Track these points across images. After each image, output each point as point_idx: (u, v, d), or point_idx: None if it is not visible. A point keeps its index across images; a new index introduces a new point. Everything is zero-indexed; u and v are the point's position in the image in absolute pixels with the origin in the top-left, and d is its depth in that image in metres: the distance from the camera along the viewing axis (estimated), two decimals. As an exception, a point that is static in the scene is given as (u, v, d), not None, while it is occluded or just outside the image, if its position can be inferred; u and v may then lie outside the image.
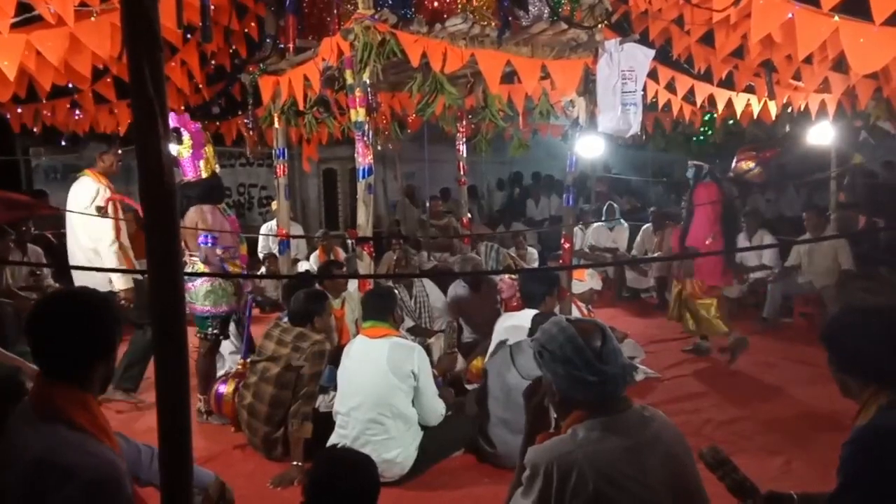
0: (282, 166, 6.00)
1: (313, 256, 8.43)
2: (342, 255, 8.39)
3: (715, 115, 9.18)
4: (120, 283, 4.99)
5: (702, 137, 12.39)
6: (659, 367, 5.73)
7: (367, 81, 4.36)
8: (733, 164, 6.27)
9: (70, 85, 5.90)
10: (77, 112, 7.23)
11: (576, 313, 5.26)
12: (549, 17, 4.73)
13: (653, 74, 6.30)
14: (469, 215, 8.00)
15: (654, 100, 7.16)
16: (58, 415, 1.75)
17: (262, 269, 8.38)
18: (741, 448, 3.97)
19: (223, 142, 9.19)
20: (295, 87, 4.95)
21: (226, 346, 5.12)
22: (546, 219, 11.89)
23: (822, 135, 7.83)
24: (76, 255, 5.24)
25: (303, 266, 8.17)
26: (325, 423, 3.91)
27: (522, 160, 12.82)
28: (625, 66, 4.89)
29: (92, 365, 1.84)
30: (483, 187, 14.01)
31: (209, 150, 4.72)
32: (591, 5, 4.94)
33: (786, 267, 7.20)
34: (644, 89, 5.18)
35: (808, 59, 5.04)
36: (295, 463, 3.83)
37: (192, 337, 4.70)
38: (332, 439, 3.82)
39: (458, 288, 5.87)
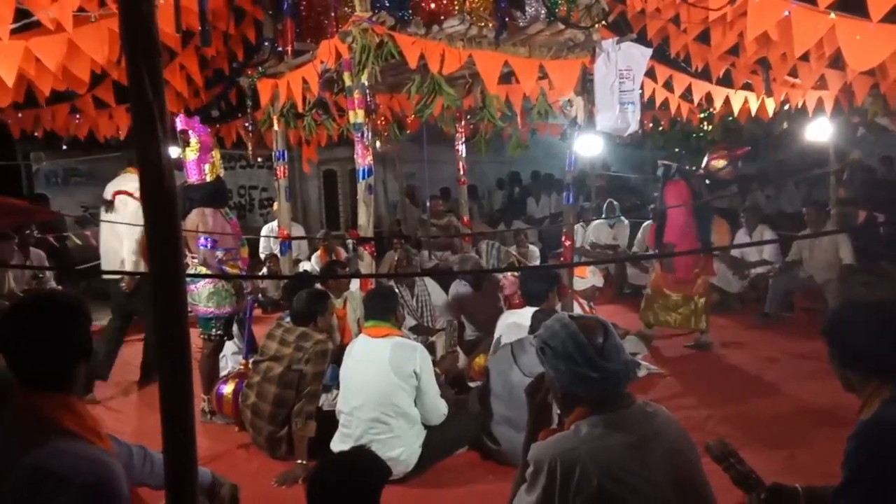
0: (282, 168, 6.01)
1: (314, 257, 8.44)
2: (343, 255, 8.40)
3: (713, 113, 9.18)
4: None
5: (700, 135, 12.40)
6: (661, 362, 5.74)
7: (366, 83, 4.37)
8: (705, 163, 6.47)
9: (70, 90, 5.91)
10: (77, 117, 7.25)
11: (577, 310, 5.28)
12: (546, 18, 4.74)
13: (650, 73, 6.31)
14: (469, 215, 8.01)
15: (651, 98, 7.17)
16: (46, 422, 1.72)
17: (264, 270, 8.39)
18: (745, 442, 3.97)
19: (223, 144, 9.20)
20: (294, 90, 4.96)
21: (228, 347, 5.14)
22: (546, 217, 11.90)
23: (819, 131, 7.83)
24: (109, 241, 5.40)
25: (304, 266, 8.18)
26: (329, 421, 3.93)
27: (521, 160, 12.82)
28: (622, 65, 4.90)
29: (73, 367, 1.81)
30: (483, 187, 14.02)
31: (216, 154, 4.74)
32: (588, 5, 4.95)
33: (787, 262, 7.21)
34: (642, 88, 5.20)
35: (805, 57, 5.05)
36: (299, 461, 3.85)
37: (196, 338, 4.74)
38: (336, 438, 3.83)
39: (459, 286, 5.88)
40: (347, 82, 4.41)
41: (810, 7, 4.04)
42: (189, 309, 4.19)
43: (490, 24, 4.70)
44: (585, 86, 5.14)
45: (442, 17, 4.56)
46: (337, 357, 4.18)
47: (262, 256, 8.66)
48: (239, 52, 6.47)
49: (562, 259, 5.84)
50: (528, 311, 4.33)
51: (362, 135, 4.47)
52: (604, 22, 5.20)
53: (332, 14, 4.94)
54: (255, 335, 4.90)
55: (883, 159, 10.43)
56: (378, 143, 7.27)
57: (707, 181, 6.42)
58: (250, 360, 4.64)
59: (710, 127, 11.72)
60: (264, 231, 9.04)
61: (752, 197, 11.15)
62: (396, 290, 5.06)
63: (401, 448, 3.70)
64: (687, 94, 7.10)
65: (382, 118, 7.23)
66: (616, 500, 1.76)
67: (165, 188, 1.22)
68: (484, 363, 4.77)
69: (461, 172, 7.59)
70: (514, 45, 4.77)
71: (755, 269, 7.53)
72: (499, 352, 4.17)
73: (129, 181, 5.35)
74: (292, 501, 3.60)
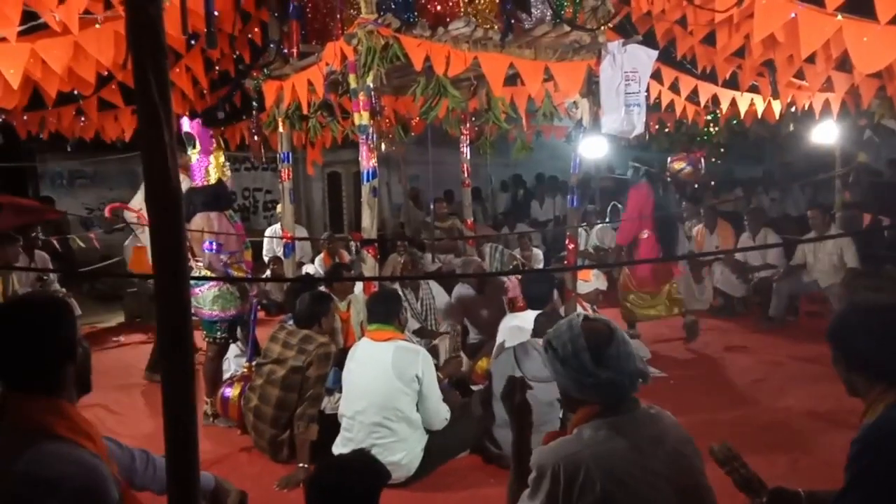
0: (286, 170, 6.02)
1: (318, 259, 8.44)
2: (347, 257, 8.41)
3: (719, 115, 9.17)
4: None
5: (706, 137, 12.38)
6: (665, 366, 5.73)
7: (371, 85, 4.38)
8: (667, 165, 6.61)
9: (76, 92, 5.94)
10: (82, 119, 7.27)
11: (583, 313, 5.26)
12: (551, 20, 4.74)
13: (656, 75, 6.30)
14: (473, 217, 8.01)
15: (657, 100, 7.16)
16: (35, 426, 1.70)
17: (268, 273, 8.39)
18: (748, 446, 3.93)
19: (228, 146, 9.23)
20: (299, 92, 4.97)
21: (231, 350, 5.14)
22: (550, 220, 11.89)
23: (826, 134, 7.82)
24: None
25: (308, 269, 8.18)
26: (331, 425, 3.92)
27: (526, 162, 12.80)
28: (628, 67, 4.90)
29: (59, 369, 1.77)
30: (487, 189, 14.02)
31: (217, 156, 4.72)
32: (594, 7, 4.95)
33: (791, 266, 7.19)
34: (647, 90, 5.19)
35: (812, 59, 5.04)
36: (301, 465, 3.84)
37: (198, 341, 4.74)
38: (338, 442, 3.83)
39: (462, 289, 5.88)
40: (352, 84, 4.41)
41: (817, 9, 4.03)
42: (193, 312, 4.21)
43: (496, 27, 4.70)
44: (591, 88, 5.14)
45: (447, 19, 4.56)
46: (339, 360, 4.17)
47: (266, 259, 8.67)
48: (245, 54, 6.49)
49: (565, 262, 5.84)
50: (531, 315, 4.33)
51: (367, 137, 4.48)
52: (609, 24, 5.19)
53: (338, 16, 4.95)
54: (259, 338, 4.89)
55: (889, 162, 10.40)
56: (383, 146, 7.28)
57: (671, 183, 6.77)
58: (254, 363, 4.65)
59: (716, 129, 11.70)
60: (268, 233, 9.04)
61: (756, 200, 11.13)
62: (401, 294, 5.06)
63: (403, 452, 3.69)
64: (693, 96, 7.09)
65: (387, 120, 7.24)
66: None
67: (171, 191, 1.22)
68: (487, 366, 4.77)
69: (465, 175, 7.59)
70: (520, 47, 4.77)
71: (759, 273, 7.50)
72: (501, 355, 4.16)
73: None
74: (295, 504, 3.61)
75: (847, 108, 7.10)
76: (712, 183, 12.93)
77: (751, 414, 4.66)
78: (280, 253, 7.59)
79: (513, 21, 4.70)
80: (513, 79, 5.16)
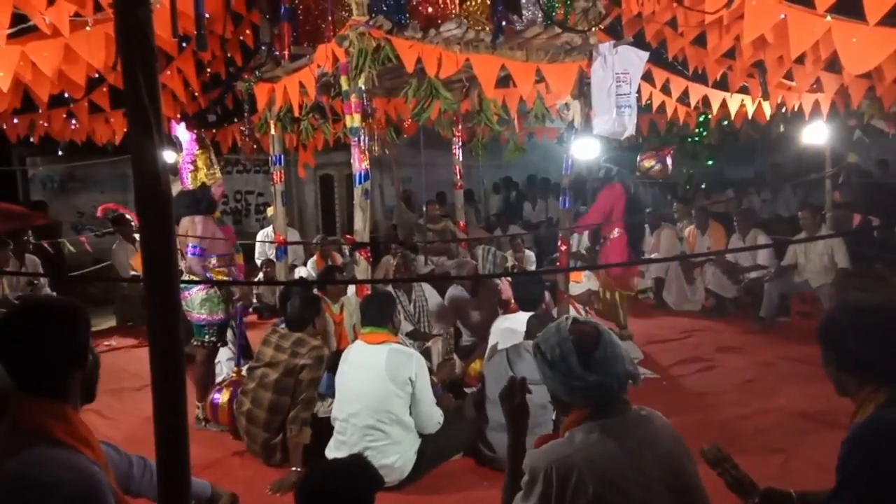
0: (278, 173, 6.00)
1: (311, 262, 8.42)
2: (340, 260, 8.39)
3: (710, 116, 9.20)
4: None
5: (697, 139, 12.43)
6: (657, 367, 5.74)
7: (363, 87, 4.37)
8: (637, 163, 6.73)
9: (66, 95, 5.91)
10: (73, 122, 7.23)
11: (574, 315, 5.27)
12: (542, 22, 4.75)
13: (647, 76, 6.32)
14: (464, 219, 8.01)
15: (648, 102, 7.18)
16: (36, 429, 1.71)
17: (260, 276, 8.37)
18: (740, 447, 3.97)
19: (220, 149, 9.20)
20: (290, 94, 4.96)
21: (223, 353, 5.12)
22: (543, 221, 11.90)
23: (816, 134, 7.85)
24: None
25: (300, 272, 8.17)
26: (324, 428, 3.91)
27: (519, 163, 12.84)
28: (619, 68, 4.91)
29: (67, 375, 1.79)
30: (479, 191, 14.03)
31: (200, 160, 4.70)
32: (585, 9, 4.96)
33: (782, 266, 7.22)
34: (638, 91, 5.20)
35: (801, 60, 5.06)
36: (294, 469, 3.83)
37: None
38: (331, 445, 3.82)
39: (455, 291, 5.88)
40: (344, 86, 4.40)
41: (807, 10, 4.05)
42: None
43: (487, 28, 4.70)
44: (582, 89, 5.15)
45: (439, 21, 4.56)
46: (332, 364, 4.16)
47: (259, 262, 8.65)
48: (236, 56, 6.47)
49: (558, 264, 5.85)
50: (523, 317, 4.33)
51: (359, 139, 4.47)
52: (600, 25, 5.20)
53: (329, 18, 4.95)
54: (252, 341, 4.88)
55: (879, 162, 10.46)
56: (375, 148, 7.27)
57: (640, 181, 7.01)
58: (243, 367, 4.64)
59: (707, 130, 11.75)
60: (260, 236, 9.03)
61: (747, 201, 11.17)
62: (394, 296, 5.05)
63: (396, 455, 3.68)
64: (684, 98, 7.11)
65: (379, 122, 7.23)
66: None
67: (160, 194, 1.21)
68: (479, 369, 4.76)
69: (458, 177, 7.59)
70: (511, 48, 4.78)
71: (750, 274, 7.53)
72: (494, 358, 4.15)
73: None
74: (288, 508, 3.60)
75: (836, 108, 7.13)
76: (702, 181, 13.00)
77: (742, 414, 4.67)
78: (273, 256, 7.57)
79: (504, 23, 4.70)
80: (504, 80, 5.16)
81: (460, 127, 7.22)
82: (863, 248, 7.41)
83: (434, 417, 3.89)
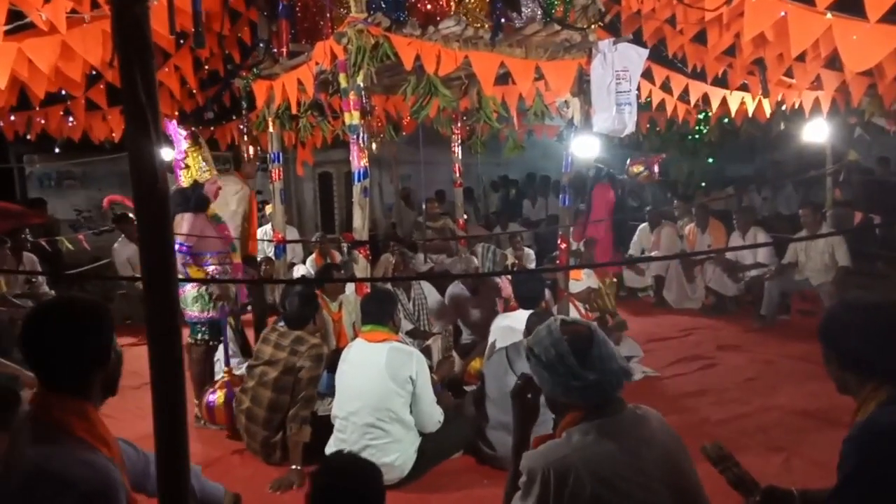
0: (277, 170, 5.99)
1: (310, 260, 8.40)
2: (339, 258, 8.38)
3: (710, 114, 9.19)
4: None
5: (697, 136, 12.42)
6: (658, 365, 5.73)
7: (361, 85, 4.36)
8: (626, 168, 6.89)
9: (63, 92, 5.89)
10: (70, 119, 7.22)
11: (573, 313, 5.27)
12: (542, 19, 4.73)
13: (647, 74, 6.31)
14: (465, 216, 8.00)
15: (648, 99, 7.17)
16: (56, 424, 1.74)
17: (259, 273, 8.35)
18: (741, 445, 3.97)
19: (217, 147, 9.18)
20: (289, 92, 4.94)
21: (222, 351, 5.11)
22: (542, 219, 11.90)
23: (816, 132, 7.84)
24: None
25: (299, 270, 8.15)
26: (324, 426, 3.90)
27: (518, 161, 12.83)
28: (619, 66, 4.89)
29: (90, 374, 1.82)
30: (479, 189, 14.03)
31: (191, 158, 4.68)
32: (584, 6, 4.94)
33: (782, 264, 7.21)
34: (638, 89, 5.19)
35: (801, 57, 5.05)
36: (294, 467, 3.82)
37: (186, 339, 4.72)
38: (331, 444, 3.81)
39: (455, 288, 5.87)
40: (343, 84, 4.39)
41: (807, 7, 4.04)
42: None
43: (486, 25, 4.68)
44: (582, 87, 5.13)
45: (438, 18, 4.55)
46: (332, 362, 4.15)
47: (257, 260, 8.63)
48: (234, 53, 6.45)
49: (558, 262, 5.84)
50: (522, 314, 4.32)
51: (358, 137, 4.46)
52: (600, 23, 5.19)
53: (328, 15, 4.93)
54: (251, 340, 4.87)
55: (880, 160, 10.44)
56: (374, 145, 7.26)
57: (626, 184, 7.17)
58: (235, 367, 4.70)
59: (707, 128, 11.74)
60: (258, 234, 9.00)
61: (748, 199, 11.16)
62: (394, 294, 5.05)
63: (396, 453, 3.67)
64: (684, 95, 7.10)
65: (378, 120, 7.22)
66: None
67: (157, 191, 1.21)
68: (479, 367, 4.76)
69: (457, 174, 7.58)
70: (511, 46, 4.76)
71: (750, 272, 7.52)
72: (494, 356, 4.15)
73: (232, 182, 5.93)
74: (288, 507, 3.59)
75: (837, 106, 7.12)
76: (702, 178, 12.99)
77: (743, 413, 4.66)
78: (271, 254, 7.55)
79: (503, 20, 4.68)
80: (504, 78, 5.15)
81: (459, 124, 7.21)
82: (864, 246, 7.40)
83: (434, 416, 3.88)
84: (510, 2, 4.82)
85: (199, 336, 4.68)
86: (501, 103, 6.22)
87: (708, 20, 4.93)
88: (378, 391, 3.68)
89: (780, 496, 2.12)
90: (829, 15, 3.94)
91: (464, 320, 5.82)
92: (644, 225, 8.78)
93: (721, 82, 6.87)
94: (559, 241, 5.45)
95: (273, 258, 6.95)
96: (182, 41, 5.94)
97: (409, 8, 4.61)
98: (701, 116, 10.27)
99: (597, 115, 4.97)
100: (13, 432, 1.79)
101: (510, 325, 4.49)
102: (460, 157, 7.43)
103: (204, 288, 4.58)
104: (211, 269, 4.71)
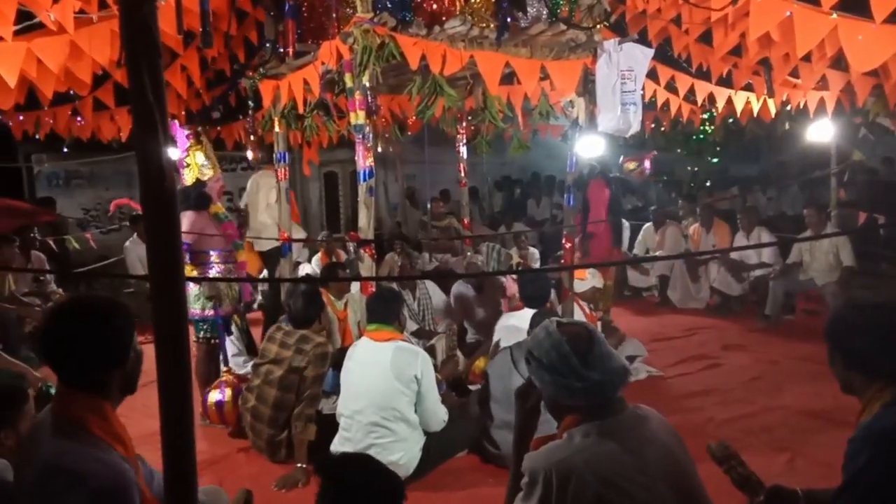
0: (283, 170, 6.00)
1: (315, 259, 8.42)
2: (344, 257, 8.40)
3: (715, 114, 9.17)
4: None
5: (702, 136, 12.40)
6: (662, 364, 5.73)
7: (367, 84, 4.37)
8: (620, 165, 6.97)
9: (71, 92, 5.91)
10: (79, 119, 7.25)
11: (578, 313, 5.27)
12: (547, 18, 4.73)
13: (652, 74, 6.30)
14: (470, 216, 7.99)
15: (653, 99, 7.16)
16: (73, 421, 1.77)
17: (264, 273, 8.36)
18: (745, 445, 3.97)
19: (224, 146, 9.20)
20: (295, 91, 4.96)
21: (230, 349, 5.13)
22: (547, 219, 11.89)
23: (821, 132, 7.82)
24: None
25: (304, 269, 8.17)
26: (329, 425, 3.92)
27: (523, 161, 12.83)
28: (624, 65, 4.89)
29: (108, 373, 1.84)
30: (484, 188, 14.02)
31: (192, 157, 4.71)
32: (590, 6, 4.94)
33: (787, 264, 7.20)
34: (643, 89, 5.19)
35: (807, 57, 5.04)
36: (299, 465, 3.84)
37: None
38: (336, 442, 3.82)
39: (460, 287, 5.88)
40: (348, 83, 4.40)
41: (813, 7, 4.03)
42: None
43: (491, 25, 4.69)
44: (587, 86, 5.13)
45: (443, 18, 4.55)
46: (337, 361, 4.17)
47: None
48: (240, 53, 6.46)
49: (562, 262, 5.84)
50: (527, 314, 4.32)
51: (363, 136, 4.47)
52: (606, 22, 5.19)
53: (334, 15, 4.94)
54: (256, 338, 4.88)
55: (884, 160, 10.41)
56: (379, 145, 7.27)
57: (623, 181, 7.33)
58: (238, 366, 4.76)
59: (712, 128, 11.71)
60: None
61: (752, 199, 11.13)
62: (400, 293, 5.06)
63: (401, 452, 3.69)
64: (689, 95, 7.10)
65: (383, 119, 7.22)
66: None
67: (165, 190, 1.22)
68: (484, 366, 4.76)
69: (462, 174, 7.59)
70: (516, 45, 4.76)
71: (755, 272, 7.51)
72: (498, 356, 4.15)
73: (268, 176, 6.42)
74: (293, 505, 3.61)
75: (842, 106, 7.10)
76: (707, 178, 12.96)
77: (748, 412, 4.66)
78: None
79: (508, 20, 4.68)
80: (509, 77, 5.14)
81: (464, 124, 7.21)
82: (868, 247, 7.38)
83: (439, 415, 3.89)
84: (516, 1, 4.82)
85: (202, 334, 4.72)
86: (507, 103, 6.22)
87: (713, 20, 4.92)
88: (383, 390, 3.69)
89: (784, 496, 2.12)
90: (834, 15, 3.93)
91: (468, 319, 5.83)
92: (648, 224, 8.78)
93: (726, 82, 6.86)
94: (563, 241, 5.45)
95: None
96: (189, 41, 5.95)
97: (415, 8, 4.61)
98: (706, 116, 10.25)
99: (602, 114, 4.97)
100: (33, 426, 1.82)
101: (515, 325, 4.49)
102: (465, 156, 7.43)
103: (201, 287, 4.61)
104: (214, 267, 4.74)
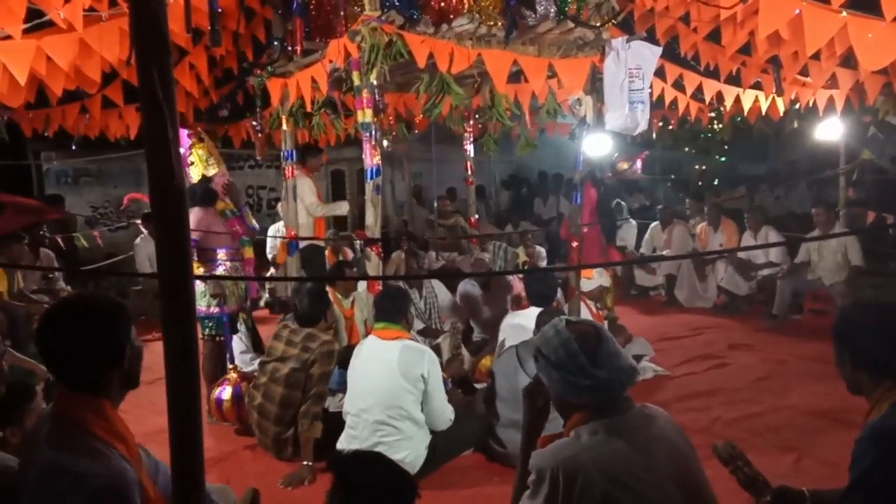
0: (290, 168, 6.02)
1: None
2: (351, 255, 8.40)
3: (723, 112, 9.14)
4: None
5: (709, 134, 12.36)
6: (669, 364, 5.71)
7: (375, 83, 4.37)
8: (614, 165, 7.03)
9: (80, 89, 5.94)
10: (87, 117, 7.28)
11: (584, 312, 5.26)
12: (555, 17, 4.73)
13: (660, 72, 6.28)
14: (477, 215, 8.00)
15: (661, 97, 7.14)
16: (74, 422, 1.76)
17: (272, 271, 8.39)
18: (752, 445, 3.95)
19: (232, 144, 9.23)
20: (303, 89, 4.97)
21: (236, 346, 5.15)
22: (554, 217, 11.88)
23: (830, 131, 7.79)
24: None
25: (311, 267, 8.19)
26: (335, 423, 3.92)
27: (530, 159, 12.81)
28: (632, 63, 4.87)
29: (105, 373, 1.82)
30: (491, 187, 14.02)
31: (195, 155, 4.73)
32: (598, 4, 4.94)
33: (795, 263, 7.17)
34: (651, 87, 5.18)
35: (816, 56, 5.02)
36: (305, 463, 3.84)
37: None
38: (342, 440, 3.83)
39: (467, 286, 5.88)
40: (356, 81, 4.41)
41: (822, 5, 4.02)
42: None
43: (499, 23, 4.69)
44: (595, 85, 5.13)
45: (451, 16, 4.56)
46: (344, 358, 4.17)
47: (270, 257, 8.67)
48: (248, 51, 6.48)
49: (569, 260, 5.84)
50: (533, 312, 4.32)
51: (370, 134, 4.47)
52: (614, 21, 5.18)
53: (342, 13, 4.95)
54: (263, 336, 4.90)
55: (894, 159, 10.36)
56: (386, 143, 7.28)
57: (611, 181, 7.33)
58: (245, 363, 4.78)
59: (720, 126, 11.67)
60: (271, 231, 9.05)
61: (760, 198, 11.10)
62: (409, 292, 5.06)
63: (407, 450, 3.68)
64: (697, 94, 7.07)
65: (391, 117, 7.23)
66: None
67: (174, 188, 1.22)
68: (489, 365, 4.76)
69: (469, 172, 7.58)
70: (524, 43, 4.76)
71: (762, 272, 7.48)
72: (504, 355, 4.15)
73: (303, 176, 6.37)
74: (299, 503, 3.61)
75: (851, 104, 7.06)
76: (715, 177, 12.93)
77: (755, 412, 4.64)
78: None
79: (516, 18, 4.68)
80: (516, 76, 5.15)
81: (472, 122, 7.22)
82: (877, 246, 7.35)
83: (446, 414, 3.89)
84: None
85: (207, 332, 4.74)
86: (514, 101, 6.22)
87: (722, 18, 4.90)
88: (389, 389, 3.69)
89: (791, 497, 2.11)
90: (844, 13, 3.91)
91: (475, 318, 5.83)
92: (656, 223, 8.76)
93: (734, 80, 6.83)
94: (570, 240, 5.45)
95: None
96: (198, 39, 5.97)
97: (423, 6, 4.62)
98: (714, 115, 10.23)
99: (609, 112, 4.96)
100: (35, 427, 1.82)
101: (520, 324, 4.49)
102: (472, 154, 7.44)
103: (205, 285, 4.63)
104: (221, 265, 4.75)
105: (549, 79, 5.12)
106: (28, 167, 11.03)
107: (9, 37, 3.99)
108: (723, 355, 6.03)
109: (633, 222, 9.27)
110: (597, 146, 5.38)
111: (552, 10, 4.77)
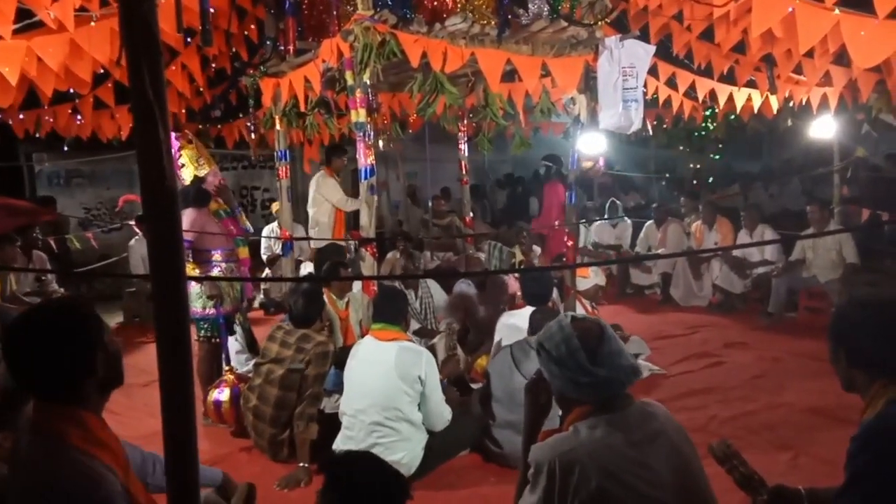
0: (284, 168, 6.01)
1: (317, 258, 8.41)
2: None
3: (716, 111, 9.16)
4: None
5: (703, 133, 12.38)
6: (664, 363, 5.72)
7: (368, 82, 4.36)
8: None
9: (71, 90, 5.91)
10: (79, 117, 7.25)
11: (580, 311, 5.26)
12: (548, 15, 4.73)
13: (653, 70, 6.29)
14: (472, 214, 7.99)
15: (654, 96, 7.15)
16: (52, 434, 1.69)
17: (266, 272, 8.38)
18: (748, 443, 3.96)
19: (225, 144, 9.20)
20: (296, 89, 4.96)
21: (233, 347, 5.13)
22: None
23: (824, 129, 7.81)
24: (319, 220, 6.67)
25: (306, 268, 8.17)
26: (331, 424, 3.91)
27: (525, 158, 12.81)
28: (625, 62, 4.88)
29: (77, 381, 1.74)
30: (486, 186, 14.01)
31: (185, 157, 4.72)
32: (591, 2, 4.94)
33: (790, 261, 7.19)
34: (644, 85, 5.18)
35: (810, 53, 5.03)
36: (301, 464, 3.83)
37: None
38: (338, 441, 3.81)
39: (462, 285, 5.87)
40: (349, 81, 4.39)
41: (815, 3, 4.03)
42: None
43: (492, 22, 4.68)
44: (588, 83, 5.13)
45: (444, 15, 4.55)
46: (340, 359, 4.16)
47: (265, 258, 8.66)
48: (241, 51, 6.47)
49: (564, 260, 5.84)
50: (527, 312, 4.31)
51: (364, 134, 4.46)
52: (607, 19, 5.18)
53: (334, 12, 4.94)
54: (258, 337, 4.88)
55: (887, 157, 10.38)
56: (380, 143, 7.27)
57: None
58: (236, 365, 4.76)
59: (714, 125, 11.70)
60: (265, 232, 9.03)
61: (754, 196, 11.12)
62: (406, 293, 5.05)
63: (403, 451, 3.68)
64: (690, 92, 7.08)
65: (384, 117, 7.22)
66: (615, 501, 1.75)
67: (167, 189, 1.21)
68: (485, 365, 4.76)
69: (464, 172, 7.57)
70: (517, 42, 4.76)
71: (757, 269, 7.50)
72: (499, 355, 4.14)
73: (325, 177, 6.59)
74: (295, 504, 3.60)
75: (844, 102, 7.09)
76: (709, 175, 12.95)
77: (750, 410, 4.65)
78: (278, 251, 7.57)
79: (510, 17, 4.68)
80: (510, 75, 5.14)
81: (466, 122, 7.21)
82: (871, 243, 7.36)
83: (444, 414, 3.88)
84: (516, -2, 4.82)
85: (203, 333, 4.72)
86: (508, 100, 6.22)
87: (716, 16, 4.91)
88: (386, 390, 3.68)
89: (787, 495, 2.11)
90: (837, 11, 3.93)
91: (470, 318, 5.82)
92: (650, 222, 8.77)
93: (728, 78, 6.85)
94: (566, 239, 5.45)
95: (280, 255, 6.98)
96: (189, 39, 5.95)
97: (416, 5, 4.61)
98: (707, 113, 10.24)
99: (603, 111, 4.96)
100: (16, 443, 1.75)
101: (516, 324, 4.48)
102: (467, 154, 7.43)
103: (199, 286, 4.61)
104: (216, 266, 4.74)
105: (543, 78, 5.12)
106: (20, 168, 10.96)
107: (-1, 37, 3.96)
108: (718, 353, 6.04)
109: (628, 221, 9.27)
110: (591, 145, 5.38)
111: (545, 9, 4.77)
